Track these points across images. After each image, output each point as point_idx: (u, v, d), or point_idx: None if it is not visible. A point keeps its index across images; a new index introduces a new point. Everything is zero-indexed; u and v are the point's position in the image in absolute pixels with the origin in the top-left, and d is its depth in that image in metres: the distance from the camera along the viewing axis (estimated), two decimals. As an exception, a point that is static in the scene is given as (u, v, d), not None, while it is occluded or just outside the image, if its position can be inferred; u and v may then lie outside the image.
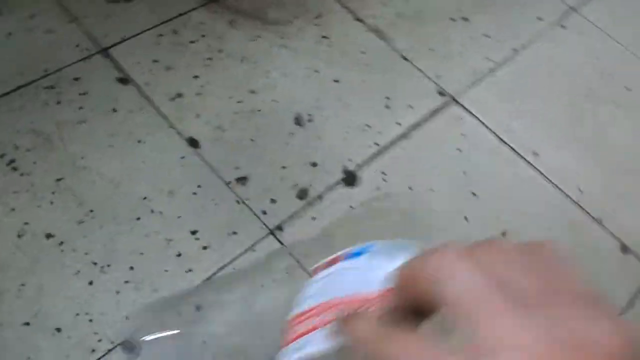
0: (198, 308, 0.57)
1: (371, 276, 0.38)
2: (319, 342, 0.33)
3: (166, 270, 0.58)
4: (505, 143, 0.75)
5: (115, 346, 0.53)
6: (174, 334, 0.55)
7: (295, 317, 0.39)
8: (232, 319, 0.57)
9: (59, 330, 0.54)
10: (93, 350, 0.53)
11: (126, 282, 0.57)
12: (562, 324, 0.22)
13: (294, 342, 0.37)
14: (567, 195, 0.72)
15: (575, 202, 0.72)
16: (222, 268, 0.59)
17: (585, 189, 0.73)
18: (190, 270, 0.59)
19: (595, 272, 0.63)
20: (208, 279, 0.58)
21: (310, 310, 0.38)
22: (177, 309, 0.57)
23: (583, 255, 0.68)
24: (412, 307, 0.25)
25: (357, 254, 0.41)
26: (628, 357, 0.21)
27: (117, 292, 0.56)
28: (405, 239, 0.42)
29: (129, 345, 0.54)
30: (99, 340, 0.54)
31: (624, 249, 0.69)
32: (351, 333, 0.27)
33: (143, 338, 0.53)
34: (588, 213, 0.71)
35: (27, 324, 0.54)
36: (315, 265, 0.43)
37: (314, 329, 0.36)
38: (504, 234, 0.67)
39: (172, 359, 0.54)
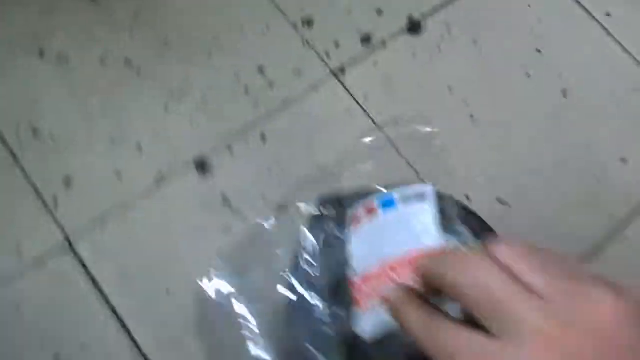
0: (263, 137, 0.61)
1: (414, 230, 0.41)
2: (386, 321, 0.35)
3: (235, 104, 0.62)
4: (577, 1, 0.72)
5: (189, 164, 0.58)
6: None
7: (359, 280, 0.41)
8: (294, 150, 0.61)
9: (139, 146, 0.59)
10: (169, 166, 0.58)
11: (198, 110, 0.61)
12: (567, 308, 0.24)
13: (366, 309, 0.40)
14: (636, 60, 0.70)
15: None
16: (286, 104, 0.62)
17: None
18: (256, 105, 0.62)
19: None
20: (272, 111, 0.62)
21: (372, 274, 0.41)
22: (244, 137, 0.61)
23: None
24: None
25: (391, 203, 0.43)
26: (633, 324, 0.24)
27: (191, 119, 0.60)
28: (422, 184, 0.44)
29: (201, 164, 0.58)
30: (174, 158, 0.59)
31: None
32: (402, 322, 0.29)
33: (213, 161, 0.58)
34: (654, 79, 0.69)
35: (112, 140, 0.59)
36: (354, 213, 0.45)
37: (375, 299, 0.38)
38: (564, 92, 0.67)
39: (244, 179, 0.59)
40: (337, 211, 0.49)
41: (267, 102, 0.62)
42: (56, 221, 0.55)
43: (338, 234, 0.47)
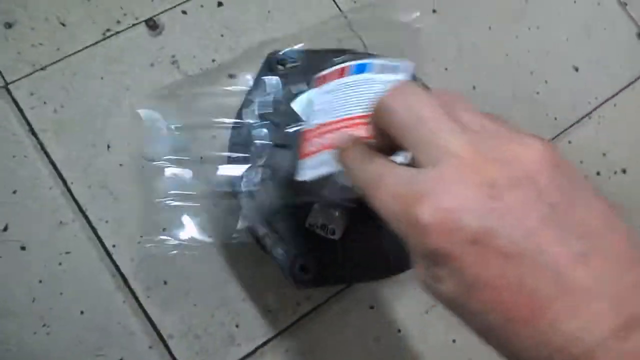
0: (219, 3, 0.59)
1: (371, 95, 0.40)
2: (329, 163, 0.35)
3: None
4: None
5: (140, 22, 0.56)
6: None
7: (308, 130, 0.41)
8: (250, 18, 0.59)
9: (87, -2, 0.56)
10: (118, 22, 0.56)
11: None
12: (494, 145, 0.25)
13: (309, 157, 0.39)
14: (600, -25, 0.70)
15: (606, -18, 0.70)
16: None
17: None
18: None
19: (607, 52, 0.65)
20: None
21: (320, 127, 0.40)
22: (200, 2, 0.58)
23: (599, 30, 0.68)
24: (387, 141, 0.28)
25: (362, 69, 0.42)
26: (550, 165, 0.24)
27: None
28: (400, 59, 0.42)
29: (152, 24, 0.56)
30: (124, 14, 0.56)
31: (640, 35, 0.70)
32: (343, 161, 0.30)
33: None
34: (615, -6, 0.70)
35: (58, -13, 0.56)
36: (322, 73, 0.44)
37: (324, 148, 0.38)
38: (527, -4, 0.67)
39: (191, 42, 0.57)
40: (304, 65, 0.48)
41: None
42: (-7, 64, 0.53)
43: (301, 88, 0.46)
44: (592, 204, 0.24)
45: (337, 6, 0.61)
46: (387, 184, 0.26)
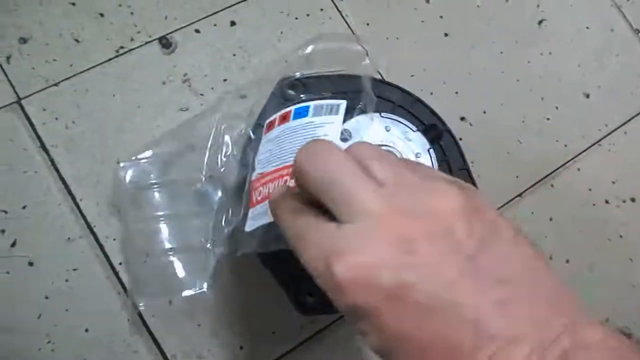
0: (232, 23, 0.59)
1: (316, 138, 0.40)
2: (268, 214, 0.35)
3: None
4: None
5: (153, 40, 0.57)
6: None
7: (255, 180, 0.41)
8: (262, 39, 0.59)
9: (102, 15, 0.56)
10: (132, 39, 0.56)
11: (167, -14, 0.59)
12: (409, 197, 0.25)
13: (253, 208, 0.40)
14: (614, 2, 0.70)
15: (619, 8, 0.70)
16: (260, -10, 0.60)
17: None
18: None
19: (618, 79, 0.64)
20: (246, -3, 0.60)
21: (266, 175, 0.41)
22: (213, 20, 0.59)
23: (611, 57, 0.68)
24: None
25: (302, 112, 0.42)
26: (467, 215, 0.24)
27: (159, -6, 0.58)
28: (345, 96, 0.43)
29: (165, 42, 0.57)
30: (138, 32, 0.57)
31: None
32: (273, 213, 0.30)
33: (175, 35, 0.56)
34: (629, 22, 0.70)
35: (73, 4, 0.56)
36: (268, 120, 0.44)
37: (266, 198, 0.38)
38: (540, 22, 0.67)
39: (204, 61, 0.57)
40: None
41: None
42: (8, 79, 0.53)
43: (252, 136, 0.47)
44: (512, 250, 0.24)
45: (349, 25, 0.61)
46: (311, 239, 0.26)
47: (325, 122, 0.41)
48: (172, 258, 0.48)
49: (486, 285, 0.23)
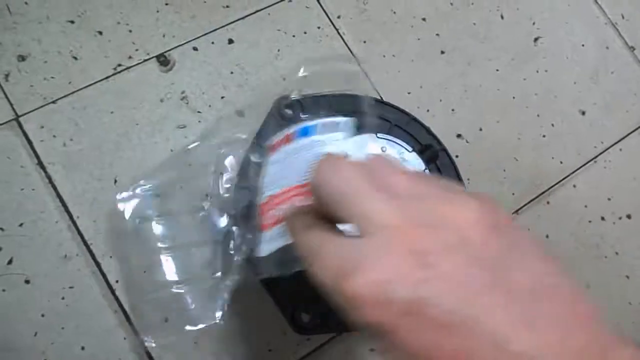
0: (230, 41, 0.59)
1: (317, 158, 0.40)
2: (284, 236, 0.35)
3: (203, 2, 0.60)
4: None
5: (151, 58, 0.57)
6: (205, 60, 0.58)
7: (264, 202, 0.41)
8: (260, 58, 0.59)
9: (100, 32, 0.57)
10: (130, 57, 0.57)
11: (166, 4, 0.59)
12: (424, 209, 0.24)
13: (265, 232, 0.40)
14: (609, 19, 0.71)
15: (614, 26, 0.71)
16: (259, 12, 0.61)
17: (629, 17, 0.71)
18: (228, 8, 0.60)
19: (614, 97, 0.65)
20: (245, 16, 0.60)
21: (275, 197, 0.40)
22: (211, 38, 0.59)
23: (607, 74, 0.69)
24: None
25: (306, 132, 0.42)
26: (486, 227, 0.24)
27: (157, 11, 0.59)
28: (343, 116, 0.43)
29: (163, 60, 0.57)
30: (136, 50, 0.57)
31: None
32: (289, 231, 0.30)
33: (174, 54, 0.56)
34: (624, 39, 0.70)
35: (72, 22, 0.57)
36: (271, 142, 0.44)
37: (278, 222, 0.38)
38: (536, 39, 0.67)
39: (201, 79, 0.57)
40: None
41: (240, 6, 0.60)
42: (6, 96, 0.53)
43: (256, 159, 0.47)
44: (534, 266, 0.24)
45: (345, 43, 0.62)
46: (324, 254, 0.25)
47: (333, 139, 0.41)
48: (178, 290, 0.47)
49: (506, 301, 0.22)
